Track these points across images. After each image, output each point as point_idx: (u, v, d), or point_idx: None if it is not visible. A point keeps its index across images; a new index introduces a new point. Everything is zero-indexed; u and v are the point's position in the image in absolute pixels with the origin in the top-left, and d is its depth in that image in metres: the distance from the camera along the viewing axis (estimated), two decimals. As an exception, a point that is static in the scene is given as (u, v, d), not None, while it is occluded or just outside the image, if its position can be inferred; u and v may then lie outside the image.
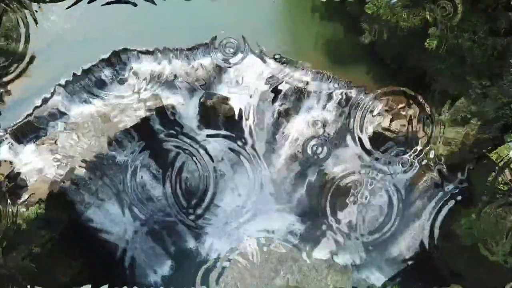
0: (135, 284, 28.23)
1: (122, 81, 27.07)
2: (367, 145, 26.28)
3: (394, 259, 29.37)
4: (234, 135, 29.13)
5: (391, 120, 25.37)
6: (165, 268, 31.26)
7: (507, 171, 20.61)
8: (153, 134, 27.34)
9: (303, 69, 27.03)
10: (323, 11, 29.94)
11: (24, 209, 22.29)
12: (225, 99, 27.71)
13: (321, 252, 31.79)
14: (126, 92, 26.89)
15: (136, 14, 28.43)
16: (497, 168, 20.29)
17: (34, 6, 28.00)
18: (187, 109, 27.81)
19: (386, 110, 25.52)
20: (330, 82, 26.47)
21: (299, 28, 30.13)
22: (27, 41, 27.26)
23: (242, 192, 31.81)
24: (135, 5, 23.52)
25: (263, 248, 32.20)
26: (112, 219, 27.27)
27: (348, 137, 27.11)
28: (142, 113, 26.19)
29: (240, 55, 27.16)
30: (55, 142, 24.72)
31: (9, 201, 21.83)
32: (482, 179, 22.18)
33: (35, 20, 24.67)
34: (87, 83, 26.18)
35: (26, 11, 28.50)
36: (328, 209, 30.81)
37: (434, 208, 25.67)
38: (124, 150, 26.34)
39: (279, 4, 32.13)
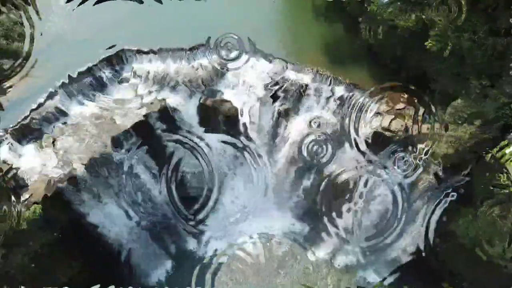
0: (135, 284, 28.28)
1: (122, 81, 27.09)
2: (368, 145, 26.29)
3: (394, 259, 29.37)
4: (234, 135, 29.13)
5: (391, 120, 25.37)
6: (165, 268, 31.28)
7: (506, 171, 20.62)
8: (153, 134, 27.35)
9: (303, 69, 27.01)
10: (323, 11, 29.93)
11: (24, 209, 22.31)
12: (225, 99, 27.71)
13: (321, 252, 31.82)
14: (126, 92, 26.90)
15: (136, 14, 28.54)
16: (496, 168, 20.29)
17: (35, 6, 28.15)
18: (187, 109, 27.81)
19: (386, 110, 25.51)
20: (330, 82, 26.46)
21: (299, 28, 30.10)
22: (27, 41, 27.42)
23: (242, 192, 31.82)
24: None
25: (263, 248, 32.22)
26: (112, 219, 27.29)
27: (348, 137, 27.11)
28: (142, 113, 26.19)
29: (241, 56, 27.30)
30: (55, 142, 24.74)
31: (14, 200, 21.94)
32: (481, 179, 22.18)
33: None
34: (87, 83, 26.19)
35: (25, 11, 28.63)
36: (328, 209, 30.84)
37: (433, 208, 25.68)
38: (123, 150, 26.34)
39: (279, 4, 32.12)
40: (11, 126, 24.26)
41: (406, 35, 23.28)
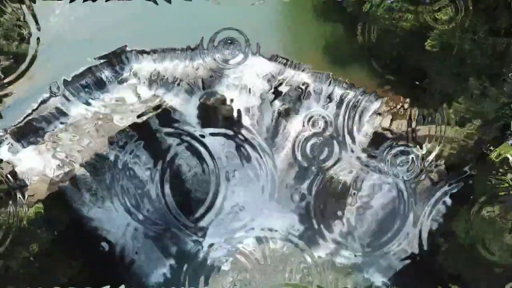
0: (136, 284, 28.26)
1: (122, 81, 27.09)
2: (368, 145, 26.30)
3: (394, 259, 29.36)
4: (234, 135, 29.12)
5: (391, 120, 25.37)
6: (165, 268, 31.26)
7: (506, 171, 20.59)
8: (153, 134, 27.33)
9: (303, 69, 27.02)
10: (323, 11, 29.91)
11: (25, 209, 22.30)
12: (225, 99, 27.71)
13: (321, 252, 31.80)
14: (126, 92, 26.91)
15: (136, 14, 28.54)
16: (496, 167, 20.28)
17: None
18: (187, 109, 27.80)
19: (386, 110, 25.51)
20: (330, 82, 26.46)
21: (299, 28, 30.10)
22: (27, 41, 27.42)
23: (242, 192, 31.80)
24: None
25: (264, 248, 32.22)
26: (112, 219, 27.26)
27: (348, 138, 27.11)
28: (142, 113, 26.16)
29: (241, 56, 27.32)
30: (55, 142, 24.73)
31: (15, 200, 21.97)
32: (481, 179, 22.17)
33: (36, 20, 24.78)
34: (87, 83, 26.20)
35: (26, 11, 28.64)
36: (328, 209, 30.84)
37: (433, 208, 25.67)
38: (124, 150, 26.33)
39: (279, 4, 32.10)
40: (11, 126, 24.25)
41: (406, 35, 23.26)
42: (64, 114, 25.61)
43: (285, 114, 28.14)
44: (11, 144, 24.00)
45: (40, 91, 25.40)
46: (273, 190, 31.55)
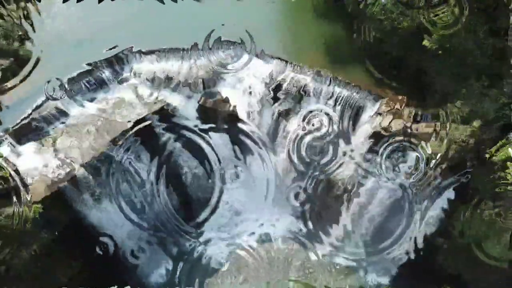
0: (136, 284, 28.27)
1: (122, 81, 27.09)
2: (367, 145, 26.29)
3: (394, 259, 29.36)
4: (233, 135, 29.13)
5: (391, 120, 25.35)
6: (165, 268, 31.27)
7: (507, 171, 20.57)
8: (153, 134, 27.34)
9: (303, 69, 27.00)
10: (323, 11, 29.89)
11: (25, 209, 22.30)
12: (225, 99, 27.71)
13: (322, 252, 31.83)
14: (126, 92, 26.91)
15: (136, 14, 28.52)
16: (497, 168, 20.27)
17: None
18: (187, 109, 27.79)
19: (386, 110, 25.49)
20: (330, 82, 26.45)
21: (299, 28, 30.07)
22: (27, 41, 27.45)
23: (243, 192, 31.82)
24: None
25: (264, 248, 32.25)
26: (112, 219, 27.27)
27: (348, 138, 27.12)
28: (142, 113, 26.18)
29: (241, 56, 27.36)
30: (55, 142, 24.75)
31: (15, 200, 21.99)
32: (482, 179, 22.18)
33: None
34: (87, 83, 26.19)
35: (26, 11, 28.62)
36: (328, 209, 30.85)
37: (433, 208, 25.68)
38: (124, 150, 26.34)
39: (279, 4, 32.09)
40: (11, 126, 24.25)
41: (406, 35, 23.25)
42: (64, 114, 25.61)
43: (285, 114, 28.14)
44: (11, 144, 23.98)
45: (40, 91, 25.39)
46: (274, 190, 31.57)
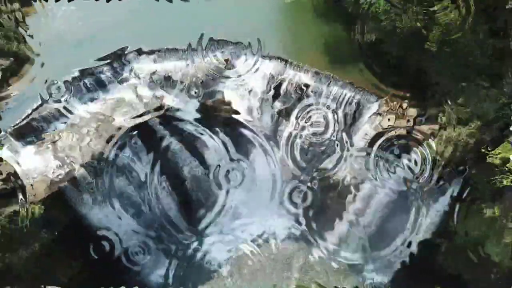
0: (135, 284, 28.24)
1: (122, 81, 27.07)
2: (368, 145, 26.29)
3: (394, 259, 29.36)
4: (233, 135, 29.13)
5: (391, 121, 25.34)
6: (165, 268, 31.25)
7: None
8: (153, 134, 27.34)
9: (303, 69, 27.00)
10: (323, 11, 29.89)
11: (25, 209, 22.31)
12: (224, 100, 27.71)
13: (322, 252, 31.81)
14: (126, 92, 26.90)
15: (136, 14, 28.53)
16: (497, 168, 20.26)
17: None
18: (187, 109, 27.78)
19: (386, 110, 25.50)
20: (330, 82, 26.45)
21: (299, 28, 30.07)
22: (27, 41, 27.48)
23: (242, 192, 31.80)
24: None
25: (265, 248, 32.24)
26: (112, 219, 27.27)
27: (348, 138, 27.12)
28: (142, 113, 26.17)
29: (241, 56, 27.37)
30: (55, 142, 24.74)
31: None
32: (482, 179, 22.17)
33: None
34: (87, 83, 26.18)
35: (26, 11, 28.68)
36: (329, 210, 30.84)
37: (433, 208, 25.68)
38: (124, 150, 26.34)
39: (279, 4, 32.09)
40: (11, 126, 24.24)
41: (406, 35, 23.24)
42: (64, 114, 25.58)
43: (285, 114, 28.14)
44: (11, 144, 23.97)
45: (40, 91, 25.38)
46: (274, 191, 31.56)
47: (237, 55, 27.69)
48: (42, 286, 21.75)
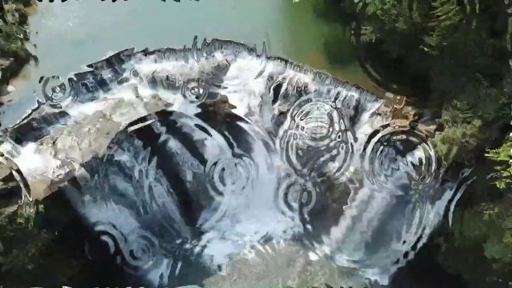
0: (136, 284, 28.26)
1: (122, 81, 27.08)
2: (368, 145, 26.28)
3: (394, 259, 29.39)
4: (233, 135, 29.15)
5: (391, 120, 25.33)
6: (165, 268, 31.29)
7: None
8: (153, 134, 27.34)
9: (303, 69, 26.99)
10: (323, 11, 29.90)
11: (25, 209, 22.31)
12: (225, 99, 27.72)
13: (322, 252, 31.85)
14: (126, 92, 26.90)
15: (136, 14, 28.56)
16: (496, 168, 20.22)
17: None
18: (187, 109, 27.78)
19: (386, 110, 25.50)
20: (330, 82, 26.45)
21: (299, 28, 30.10)
22: (27, 41, 27.51)
23: (242, 193, 31.82)
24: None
25: (264, 249, 32.28)
26: (112, 219, 27.28)
27: (347, 138, 27.10)
28: (142, 113, 26.18)
29: (241, 56, 27.38)
30: (55, 142, 24.74)
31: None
32: (481, 179, 22.15)
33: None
34: (87, 83, 26.18)
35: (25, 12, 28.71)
36: (328, 210, 30.86)
37: (433, 208, 25.67)
38: (124, 151, 26.34)
39: (279, 4, 32.12)
40: (11, 126, 24.25)
41: (407, 35, 23.23)
42: (64, 114, 25.59)
43: (285, 114, 28.13)
44: (11, 144, 23.96)
45: (40, 91, 25.37)
46: (274, 192, 31.58)
47: (236, 55, 27.70)
48: (42, 286, 21.75)
